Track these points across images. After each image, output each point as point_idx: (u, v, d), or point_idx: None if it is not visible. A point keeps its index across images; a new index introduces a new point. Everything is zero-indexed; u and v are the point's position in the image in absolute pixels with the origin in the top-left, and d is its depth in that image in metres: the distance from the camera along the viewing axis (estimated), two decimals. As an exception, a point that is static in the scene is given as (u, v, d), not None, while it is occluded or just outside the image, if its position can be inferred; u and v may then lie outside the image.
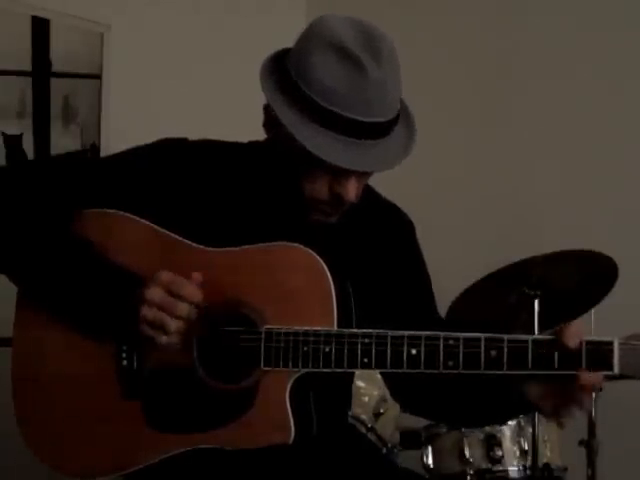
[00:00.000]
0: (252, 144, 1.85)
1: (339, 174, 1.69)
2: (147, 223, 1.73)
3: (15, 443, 1.75)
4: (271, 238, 1.69)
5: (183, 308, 1.63)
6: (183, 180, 1.76)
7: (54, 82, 3.37)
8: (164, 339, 1.64)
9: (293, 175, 1.73)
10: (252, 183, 1.80)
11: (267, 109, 1.75)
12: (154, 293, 1.62)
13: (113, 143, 3.34)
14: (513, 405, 1.73)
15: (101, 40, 3.45)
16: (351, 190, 1.70)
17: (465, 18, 3.72)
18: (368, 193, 1.82)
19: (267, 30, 3.84)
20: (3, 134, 3.23)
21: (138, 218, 1.73)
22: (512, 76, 3.56)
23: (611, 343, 1.57)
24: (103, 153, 3.38)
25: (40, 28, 3.33)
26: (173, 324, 1.63)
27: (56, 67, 3.37)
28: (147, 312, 1.63)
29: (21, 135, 3.27)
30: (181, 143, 1.81)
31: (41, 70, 3.33)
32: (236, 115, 3.54)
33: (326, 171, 1.69)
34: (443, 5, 3.78)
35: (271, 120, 1.74)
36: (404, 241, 1.91)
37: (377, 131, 1.67)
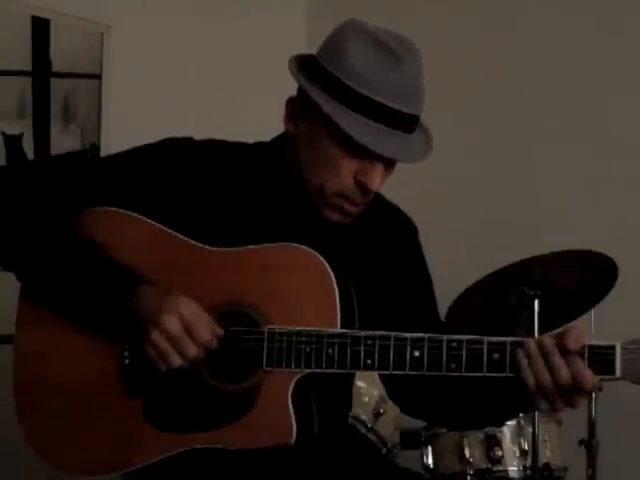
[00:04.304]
0: (258, 144, 1.85)
1: (367, 162, 1.67)
2: (150, 222, 1.73)
3: (16, 441, 1.75)
4: (275, 239, 1.69)
5: (193, 350, 1.63)
6: (188, 179, 1.76)
7: (54, 82, 3.36)
8: (164, 369, 1.65)
9: (310, 170, 1.71)
10: (257, 184, 1.80)
11: (291, 101, 1.75)
12: (171, 323, 1.62)
13: (113, 143, 3.33)
14: (513, 404, 1.72)
15: (101, 40, 3.44)
16: (376, 179, 1.68)
17: (465, 19, 3.72)
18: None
19: (267, 30, 3.85)
20: (3, 134, 3.22)
21: (142, 217, 1.73)
22: (513, 76, 3.56)
23: (613, 347, 1.57)
24: (103, 153, 3.38)
25: (40, 28, 3.31)
26: (177, 361, 1.64)
27: (56, 67, 3.35)
28: (157, 339, 1.63)
29: (21, 135, 3.26)
30: (186, 143, 1.81)
31: (41, 70, 3.32)
32: (236, 115, 3.56)
33: (354, 158, 1.67)
34: (445, 5, 3.77)
35: (298, 110, 1.73)
36: (407, 245, 1.90)
37: (408, 122, 1.67)
